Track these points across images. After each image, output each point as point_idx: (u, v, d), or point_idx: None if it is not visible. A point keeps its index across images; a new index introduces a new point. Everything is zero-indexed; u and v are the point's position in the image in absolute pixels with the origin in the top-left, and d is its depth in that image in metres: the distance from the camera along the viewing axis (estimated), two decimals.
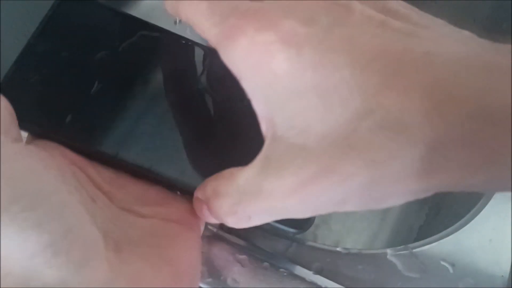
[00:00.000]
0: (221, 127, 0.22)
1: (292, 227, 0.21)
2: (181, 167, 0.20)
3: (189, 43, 0.23)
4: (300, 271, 0.23)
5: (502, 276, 0.24)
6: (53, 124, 0.20)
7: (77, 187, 0.17)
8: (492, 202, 0.27)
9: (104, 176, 0.20)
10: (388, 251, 0.24)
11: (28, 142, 0.19)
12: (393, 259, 0.24)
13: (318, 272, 0.23)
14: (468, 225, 0.26)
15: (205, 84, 0.22)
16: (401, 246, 0.25)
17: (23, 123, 0.18)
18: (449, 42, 0.14)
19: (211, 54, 0.23)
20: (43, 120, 0.20)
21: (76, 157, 0.19)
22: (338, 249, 0.24)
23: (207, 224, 0.22)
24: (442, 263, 0.24)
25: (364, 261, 0.24)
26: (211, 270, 0.22)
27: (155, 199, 0.20)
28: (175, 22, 0.44)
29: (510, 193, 0.27)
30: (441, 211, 0.38)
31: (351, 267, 0.21)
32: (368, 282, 0.23)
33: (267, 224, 0.19)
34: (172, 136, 0.21)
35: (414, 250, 0.25)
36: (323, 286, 0.23)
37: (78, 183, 0.18)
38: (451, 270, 0.24)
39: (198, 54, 0.23)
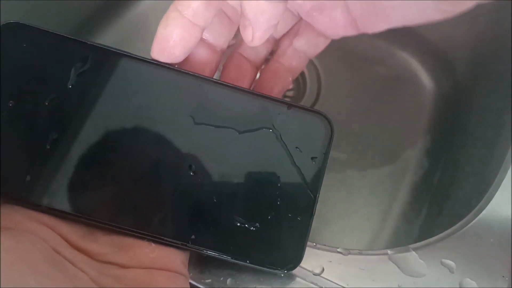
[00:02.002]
0: (192, 176, 0.20)
1: (278, 267, 0.20)
2: (150, 218, 0.19)
3: (164, 68, 0.20)
4: (300, 272, 0.23)
5: (503, 276, 0.24)
6: (12, 188, 0.18)
7: (53, 261, 0.16)
8: (493, 202, 0.27)
9: (77, 231, 0.19)
10: (389, 251, 0.24)
11: None
12: (394, 260, 0.24)
13: (319, 273, 0.23)
14: (468, 226, 0.26)
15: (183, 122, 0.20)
16: (401, 247, 0.25)
17: None
18: None
19: (196, 82, 0.20)
20: (1, 186, 0.18)
21: (45, 217, 0.18)
22: (338, 249, 0.24)
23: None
24: (443, 263, 0.24)
25: (365, 262, 0.24)
26: (211, 271, 0.22)
27: (131, 244, 0.19)
28: None
29: (510, 194, 0.27)
30: (443, 212, 0.38)
31: (351, 268, 0.21)
32: (368, 283, 0.23)
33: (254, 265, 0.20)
34: (141, 187, 0.20)
35: (414, 251, 0.25)
36: (324, 287, 0.23)
37: (51, 255, 0.17)
38: (451, 271, 0.24)
39: (174, 82, 0.20)
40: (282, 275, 0.22)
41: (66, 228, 0.19)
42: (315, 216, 0.21)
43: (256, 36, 0.19)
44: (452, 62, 0.48)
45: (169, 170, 0.20)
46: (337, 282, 0.23)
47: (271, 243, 0.20)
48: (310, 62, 0.50)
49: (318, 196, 0.21)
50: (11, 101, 0.19)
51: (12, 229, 0.17)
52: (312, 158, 0.21)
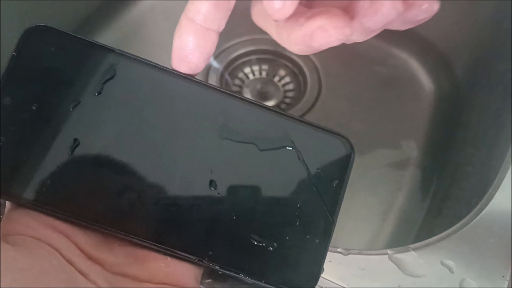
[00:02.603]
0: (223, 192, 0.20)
1: (295, 285, 0.20)
2: (169, 232, 0.19)
3: (188, 81, 0.20)
4: None
5: (503, 276, 0.24)
6: (31, 192, 0.18)
7: (67, 279, 0.16)
8: (493, 202, 0.27)
9: (93, 240, 0.19)
10: (389, 251, 0.24)
11: (6, 219, 0.18)
12: (394, 260, 0.24)
13: None
14: (468, 226, 0.26)
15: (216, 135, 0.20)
16: (401, 247, 0.25)
17: None
18: None
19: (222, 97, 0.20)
20: (19, 189, 0.18)
21: (61, 224, 0.18)
22: (338, 250, 0.24)
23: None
24: (443, 263, 0.24)
25: (365, 262, 0.24)
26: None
27: (146, 256, 0.19)
28: None
29: (510, 194, 0.27)
30: (443, 212, 0.38)
31: (351, 268, 0.21)
32: (368, 283, 0.23)
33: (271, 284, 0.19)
34: (161, 200, 0.19)
35: (414, 251, 0.25)
36: (324, 287, 0.23)
37: (65, 270, 0.17)
38: (451, 271, 0.24)
39: (198, 96, 0.20)
40: None
41: (81, 236, 0.18)
42: None
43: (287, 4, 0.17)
44: (452, 62, 0.48)
45: (190, 184, 0.20)
46: (337, 282, 0.23)
47: (287, 263, 0.20)
48: (310, 62, 0.50)
49: (336, 219, 0.21)
50: (35, 104, 0.18)
51: (27, 238, 0.17)
52: (332, 180, 0.21)
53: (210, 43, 0.20)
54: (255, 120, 0.20)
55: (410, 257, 0.24)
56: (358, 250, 0.24)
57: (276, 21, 0.19)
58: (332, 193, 0.21)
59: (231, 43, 0.50)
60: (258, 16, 0.21)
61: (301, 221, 0.20)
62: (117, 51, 0.19)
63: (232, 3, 0.20)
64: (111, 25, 0.49)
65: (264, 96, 0.49)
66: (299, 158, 0.21)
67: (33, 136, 0.18)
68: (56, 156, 0.18)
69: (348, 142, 0.21)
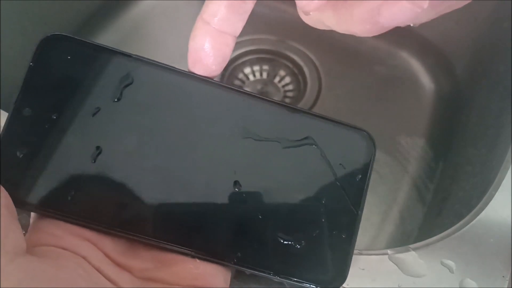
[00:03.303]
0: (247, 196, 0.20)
1: (323, 285, 0.20)
2: (197, 235, 0.19)
3: (205, 82, 0.20)
4: None
5: (503, 276, 0.24)
6: (56, 202, 0.18)
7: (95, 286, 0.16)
8: (493, 202, 0.27)
9: (119, 246, 0.19)
10: (389, 251, 0.24)
11: (32, 230, 0.18)
12: (394, 260, 0.24)
13: None
14: (468, 226, 0.26)
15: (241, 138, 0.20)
16: (401, 247, 0.25)
17: (22, 206, 0.17)
18: None
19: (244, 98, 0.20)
20: (44, 200, 0.18)
21: (87, 232, 0.18)
22: None
23: None
24: (443, 263, 0.24)
25: (365, 262, 0.24)
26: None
27: (173, 259, 0.19)
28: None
29: (510, 194, 0.27)
30: (443, 212, 0.38)
31: (351, 268, 0.21)
32: (368, 283, 0.23)
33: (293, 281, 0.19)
34: (186, 203, 0.19)
35: (414, 251, 0.25)
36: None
37: (92, 279, 0.16)
38: (451, 271, 0.24)
39: (217, 97, 0.20)
40: None
41: (108, 243, 0.18)
42: None
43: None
44: (452, 62, 0.48)
45: (215, 185, 0.20)
46: None
47: (316, 260, 0.20)
48: (310, 62, 0.50)
49: (362, 214, 0.21)
50: (55, 114, 0.18)
51: (53, 247, 0.17)
52: (355, 175, 0.21)
53: (225, 47, 0.19)
54: (275, 119, 0.20)
55: (410, 257, 0.24)
56: (358, 250, 0.24)
57: (306, 14, 0.18)
58: (356, 187, 0.21)
59: None
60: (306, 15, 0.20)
61: (327, 218, 0.20)
62: (134, 56, 0.19)
63: (250, 6, 0.19)
64: (111, 25, 0.49)
65: (264, 96, 0.49)
66: (321, 154, 0.21)
67: (55, 146, 0.18)
68: (79, 164, 0.18)
69: (369, 136, 0.21)
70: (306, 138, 0.20)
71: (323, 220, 0.20)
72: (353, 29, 0.18)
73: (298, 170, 0.20)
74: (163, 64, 0.20)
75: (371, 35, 0.18)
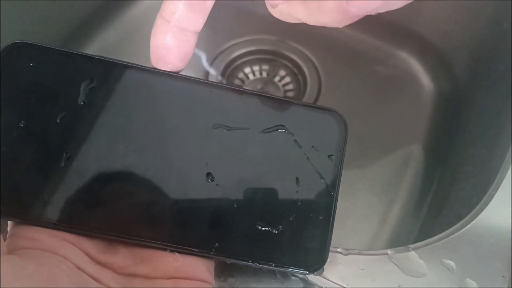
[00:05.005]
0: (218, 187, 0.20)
1: (304, 269, 0.20)
2: (172, 229, 0.19)
3: (171, 77, 0.20)
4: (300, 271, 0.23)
5: (503, 276, 0.24)
6: (29, 208, 0.18)
7: (78, 281, 0.16)
8: (493, 202, 0.27)
9: (98, 245, 0.19)
10: (389, 251, 0.24)
11: (11, 235, 0.18)
12: (394, 260, 0.24)
13: (319, 273, 0.23)
14: (468, 226, 0.26)
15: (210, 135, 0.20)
16: (401, 247, 0.25)
17: None
18: None
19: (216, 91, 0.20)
20: (19, 208, 0.18)
21: (66, 234, 0.18)
22: (338, 249, 0.24)
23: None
24: (443, 263, 0.24)
25: (365, 262, 0.24)
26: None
27: (153, 254, 0.19)
28: None
29: (510, 194, 0.27)
30: (443, 212, 0.38)
31: (351, 268, 0.21)
32: (368, 283, 0.23)
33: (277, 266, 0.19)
34: (160, 199, 0.19)
35: (414, 251, 0.25)
36: (324, 287, 0.23)
37: (75, 274, 0.17)
38: (451, 271, 0.24)
39: (184, 90, 0.20)
40: (308, 277, 0.22)
41: (87, 243, 0.18)
42: None
43: None
44: (452, 62, 0.48)
45: (187, 179, 0.20)
46: (337, 282, 0.23)
47: (295, 244, 0.20)
48: (310, 62, 0.50)
49: (338, 194, 0.21)
50: (22, 122, 0.19)
51: (32, 249, 0.17)
52: (328, 156, 0.21)
53: (186, 44, 0.20)
54: (244, 107, 0.20)
55: (410, 257, 0.24)
56: (358, 250, 0.24)
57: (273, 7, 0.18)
58: (330, 168, 0.21)
59: (231, 43, 0.50)
60: (275, 9, 0.20)
61: (303, 201, 0.20)
62: (96, 57, 0.20)
63: (210, 3, 0.20)
64: (111, 25, 0.49)
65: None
66: (292, 138, 0.21)
67: (24, 154, 0.18)
68: (50, 170, 0.18)
69: (339, 115, 0.21)
70: (276, 124, 0.21)
71: (299, 203, 0.20)
72: (323, 20, 0.18)
73: (270, 157, 0.20)
74: (127, 62, 0.20)
75: (341, 25, 0.19)
